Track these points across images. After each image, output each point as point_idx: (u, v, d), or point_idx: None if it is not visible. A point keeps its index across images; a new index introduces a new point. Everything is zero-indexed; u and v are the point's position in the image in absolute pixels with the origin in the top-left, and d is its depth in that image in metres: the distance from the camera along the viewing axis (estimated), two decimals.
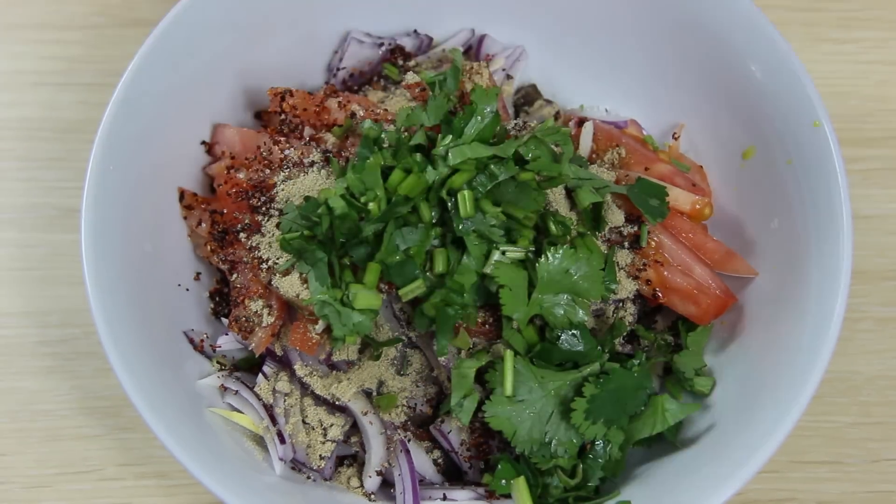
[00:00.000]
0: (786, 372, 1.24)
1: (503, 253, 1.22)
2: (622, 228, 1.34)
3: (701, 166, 1.48)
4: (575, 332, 1.26)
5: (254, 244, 1.30)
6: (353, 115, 1.38)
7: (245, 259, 1.32)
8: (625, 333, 1.35)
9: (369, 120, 1.32)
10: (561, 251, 1.23)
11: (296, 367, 1.32)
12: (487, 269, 1.22)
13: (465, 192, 1.21)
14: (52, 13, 1.71)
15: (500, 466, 1.28)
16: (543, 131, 1.31)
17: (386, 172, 1.24)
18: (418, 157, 1.23)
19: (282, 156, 1.35)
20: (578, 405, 1.22)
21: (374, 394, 1.33)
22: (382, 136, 1.29)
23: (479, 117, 1.26)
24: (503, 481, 1.28)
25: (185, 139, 1.41)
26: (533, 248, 1.25)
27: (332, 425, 1.32)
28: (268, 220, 1.31)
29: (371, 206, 1.21)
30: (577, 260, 1.23)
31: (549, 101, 1.56)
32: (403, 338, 1.32)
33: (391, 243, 1.20)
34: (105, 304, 1.22)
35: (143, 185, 1.33)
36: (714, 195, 1.46)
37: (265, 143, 1.37)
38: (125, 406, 1.49)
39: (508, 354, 1.23)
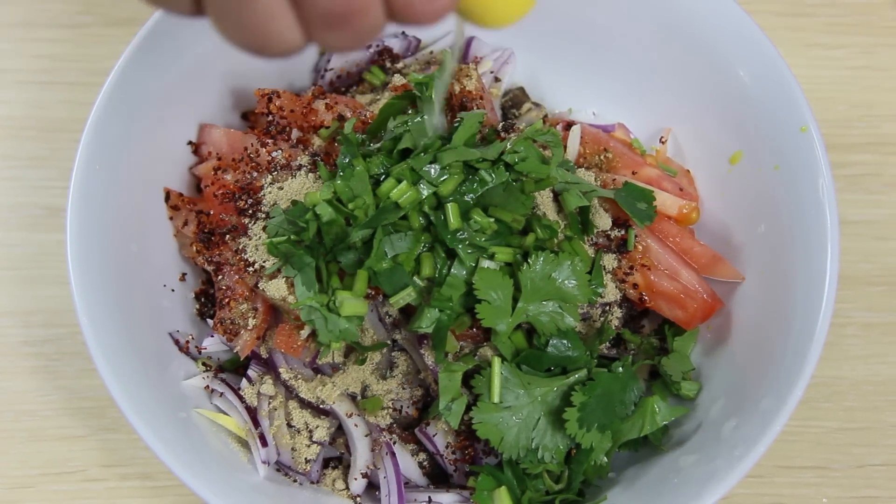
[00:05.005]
0: (772, 377, 1.24)
1: (491, 257, 1.22)
2: (609, 232, 1.34)
3: (688, 171, 1.48)
4: (563, 337, 1.26)
5: (240, 246, 1.30)
6: (340, 117, 1.37)
7: (231, 261, 1.32)
8: (612, 337, 1.35)
9: (349, 124, 1.32)
10: (542, 257, 1.23)
11: (281, 370, 1.32)
12: (473, 279, 1.22)
13: (452, 205, 1.21)
14: (37, 11, 1.70)
15: (480, 479, 1.28)
16: (533, 132, 1.31)
17: (374, 178, 1.24)
18: (411, 168, 1.23)
19: (269, 158, 1.35)
20: (570, 415, 1.22)
21: (359, 397, 1.33)
22: (368, 144, 1.29)
23: (466, 126, 1.26)
24: (485, 493, 1.27)
25: (171, 139, 1.40)
26: (521, 253, 1.24)
27: (317, 427, 1.32)
28: (254, 223, 1.31)
29: (358, 212, 1.21)
30: (559, 265, 1.23)
31: (537, 105, 1.56)
32: (389, 342, 1.32)
33: (380, 250, 1.20)
34: (90, 305, 1.22)
35: (129, 184, 1.32)
36: (701, 200, 1.46)
37: (252, 145, 1.36)
38: (109, 407, 1.49)
39: (496, 361, 1.23)
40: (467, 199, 1.22)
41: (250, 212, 1.32)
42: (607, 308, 1.34)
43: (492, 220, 1.23)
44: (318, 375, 1.33)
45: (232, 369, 1.40)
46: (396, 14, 0.80)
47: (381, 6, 0.78)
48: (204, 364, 1.39)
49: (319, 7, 0.78)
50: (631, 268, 1.34)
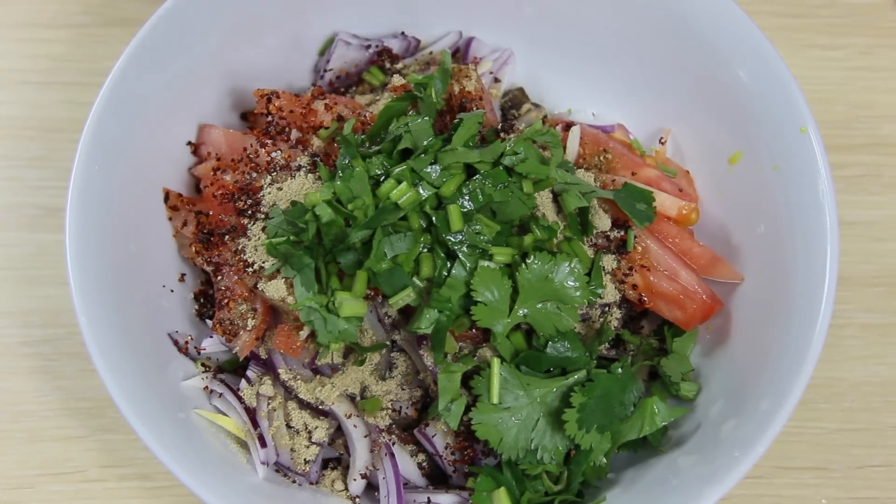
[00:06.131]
0: (771, 377, 1.24)
1: (490, 257, 1.22)
2: (609, 233, 1.34)
3: (687, 171, 1.48)
4: (562, 339, 1.26)
5: (239, 247, 1.30)
6: (339, 117, 1.37)
7: (230, 262, 1.32)
8: (611, 338, 1.35)
9: (349, 125, 1.32)
10: (539, 258, 1.23)
11: (280, 370, 1.32)
12: (472, 280, 1.22)
13: (453, 207, 1.21)
14: (36, 12, 1.70)
15: (479, 480, 1.28)
16: (533, 132, 1.31)
17: (374, 179, 1.24)
18: (412, 170, 1.23)
19: (268, 158, 1.35)
20: (570, 416, 1.22)
21: (358, 398, 1.33)
22: (367, 144, 1.29)
23: (466, 127, 1.26)
24: (484, 493, 1.27)
25: (170, 140, 1.40)
26: (520, 254, 1.24)
27: (316, 428, 1.32)
28: (254, 224, 1.30)
29: (357, 213, 1.21)
30: (557, 266, 1.23)
31: (536, 105, 1.56)
32: (388, 343, 1.32)
33: (380, 251, 1.20)
34: (89, 305, 1.22)
35: (128, 185, 1.32)
36: (700, 200, 1.46)
37: (251, 145, 1.36)
38: (108, 407, 1.49)
39: (495, 362, 1.23)
40: (467, 201, 1.22)
41: (249, 212, 1.32)
42: (606, 309, 1.34)
43: (489, 220, 1.23)
44: (318, 376, 1.33)
45: (231, 370, 1.40)
46: None
47: None
48: (203, 365, 1.39)
49: None
50: (630, 268, 1.34)
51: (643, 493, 1.28)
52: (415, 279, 1.22)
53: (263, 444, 1.31)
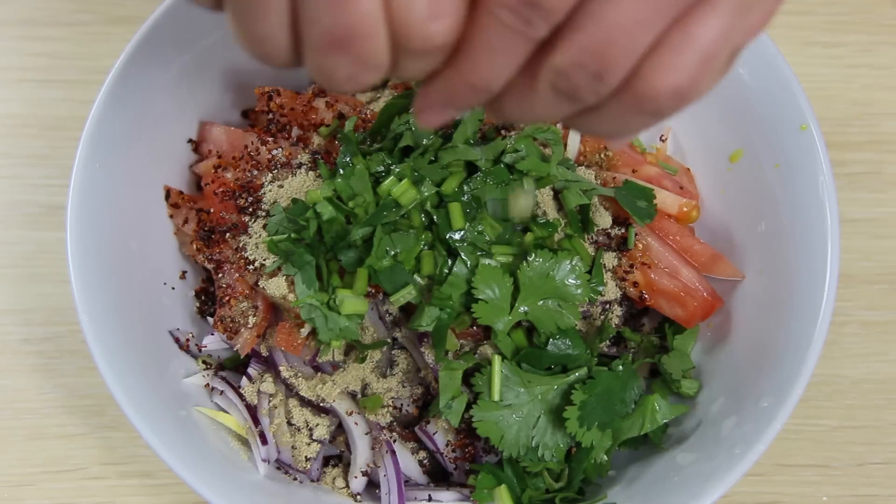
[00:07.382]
0: (772, 375, 1.24)
1: (491, 255, 1.22)
2: (609, 230, 1.34)
3: (688, 169, 1.48)
4: (563, 336, 1.26)
5: (240, 244, 1.30)
6: (340, 115, 1.37)
7: (231, 259, 1.32)
8: (612, 336, 1.35)
9: (350, 123, 1.32)
10: (540, 255, 1.23)
11: (281, 368, 1.32)
12: (473, 277, 1.22)
13: (454, 205, 1.21)
14: (36, 9, 1.70)
15: (480, 477, 1.28)
16: (534, 130, 1.31)
17: (375, 176, 1.24)
18: (412, 168, 1.23)
19: (269, 156, 1.35)
20: (571, 413, 1.22)
21: (359, 395, 1.33)
22: (368, 142, 1.29)
23: (466, 125, 1.26)
24: (485, 491, 1.27)
25: (171, 137, 1.40)
26: (521, 252, 1.24)
27: (317, 426, 1.32)
28: (255, 221, 1.30)
29: (358, 210, 1.21)
30: (558, 263, 1.23)
31: None
32: (389, 341, 1.32)
33: (381, 248, 1.20)
34: (90, 303, 1.22)
35: (129, 182, 1.32)
36: (701, 198, 1.46)
37: (252, 143, 1.36)
38: (109, 405, 1.49)
39: (496, 359, 1.23)
40: (469, 199, 1.22)
41: (250, 210, 1.32)
42: (607, 306, 1.34)
43: (489, 217, 1.23)
44: (319, 374, 1.33)
45: (232, 367, 1.40)
46: (396, 44, 0.72)
47: (385, 33, 0.70)
48: (204, 362, 1.39)
49: (318, 25, 0.70)
50: (631, 266, 1.34)
51: (644, 491, 1.28)
52: (416, 277, 1.22)
53: (264, 441, 1.31)
